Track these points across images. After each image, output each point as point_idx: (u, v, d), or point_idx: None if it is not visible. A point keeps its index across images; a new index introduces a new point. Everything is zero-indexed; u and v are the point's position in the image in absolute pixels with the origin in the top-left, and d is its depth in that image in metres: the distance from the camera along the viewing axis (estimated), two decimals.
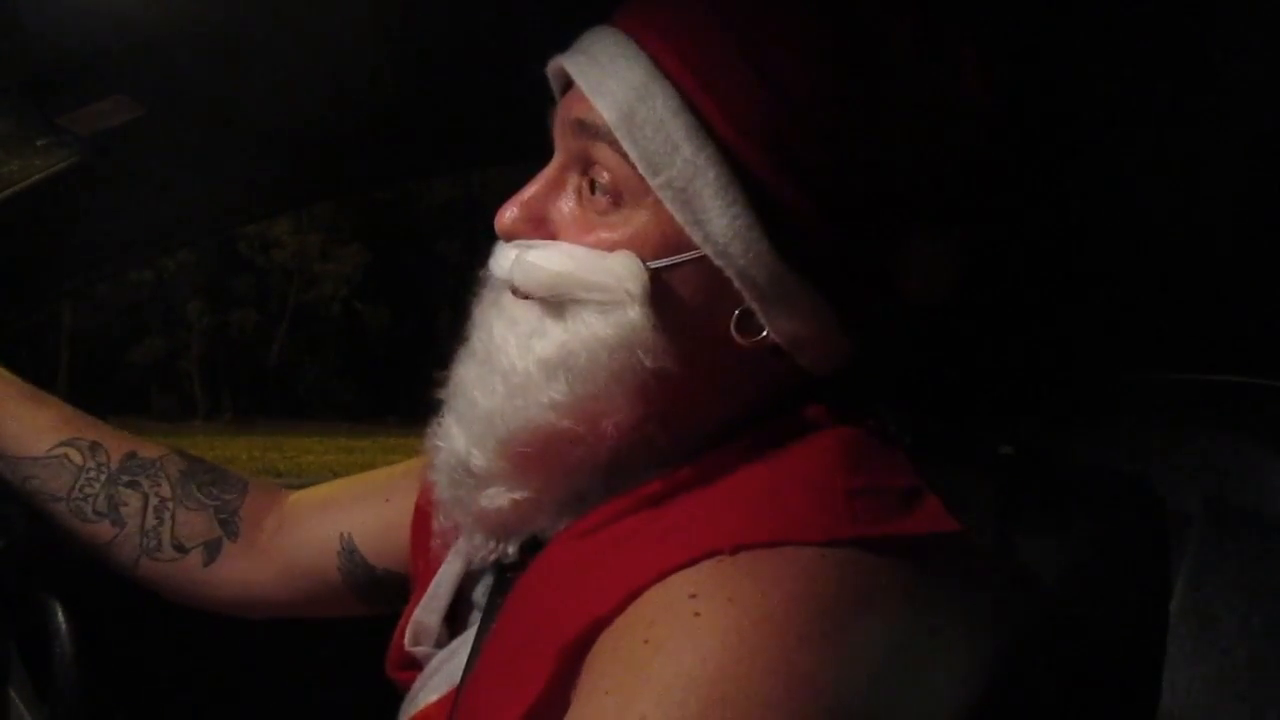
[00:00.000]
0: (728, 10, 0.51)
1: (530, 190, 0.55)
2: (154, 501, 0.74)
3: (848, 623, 0.46)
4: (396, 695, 0.65)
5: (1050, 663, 0.58)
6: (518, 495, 0.54)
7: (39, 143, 0.78)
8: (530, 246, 0.53)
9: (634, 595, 0.47)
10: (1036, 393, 0.82)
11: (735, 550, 0.47)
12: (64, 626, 0.75)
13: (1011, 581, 0.58)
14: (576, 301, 0.51)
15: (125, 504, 0.73)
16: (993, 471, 0.68)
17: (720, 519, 0.49)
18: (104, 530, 0.73)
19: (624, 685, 0.44)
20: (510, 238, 0.55)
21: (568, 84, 0.55)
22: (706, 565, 0.47)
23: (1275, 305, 0.74)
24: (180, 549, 0.74)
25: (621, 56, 0.51)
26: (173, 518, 0.74)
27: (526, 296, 0.53)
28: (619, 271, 0.51)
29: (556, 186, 0.54)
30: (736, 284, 0.51)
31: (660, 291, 0.51)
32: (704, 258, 0.51)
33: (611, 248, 0.51)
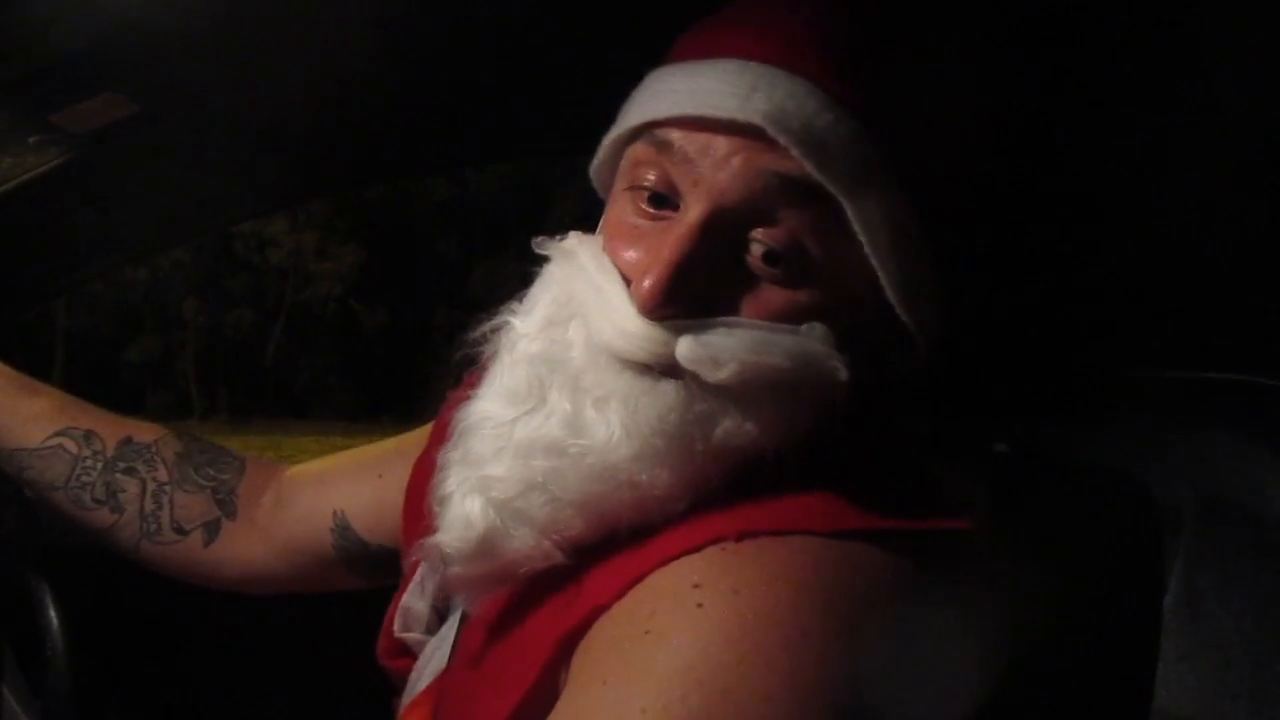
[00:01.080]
0: (889, 53, 0.49)
1: (678, 253, 0.47)
2: (151, 486, 0.74)
3: (852, 617, 0.45)
4: (390, 686, 0.65)
5: (1050, 661, 0.58)
6: (539, 563, 0.49)
7: (31, 140, 0.78)
8: (701, 327, 0.47)
9: (634, 582, 0.46)
10: (1031, 391, 0.82)
11: (740, 537, 0.45)
12: (56, 622, 0.75)
13: (1015, 581, 0.58)
14: (774, 388, 0.47)
15: (123, 490, 0.73)
16: (988, 469, 0.69)
17: (726, 507, 0.48)
18: (103, 517, 0.73)
19: (623, 676, 0.43)
20: (658, 311, 0.47)
21: (682, 120, 0.48)
22: (710, 552, 0.45)
23: (1267, 303, 0.74)
24: (180, 531, 0.74)
25: (833, 120, 0.47)
26: (171, 501, 0.74)
27: (696, 380, 0.47)
28: (821, 352, 0.47)
29: (705, 249, 0.47)
30: (911, 328, 0.50)
31: (847, 356, 0.48)
32: (887, 312, 0.49)
33: (794, 319, 0.48)
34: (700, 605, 0.43)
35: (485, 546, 0.49)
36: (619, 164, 0.53)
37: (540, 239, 0.53)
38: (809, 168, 0.46)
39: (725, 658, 0.42)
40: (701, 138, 0.48)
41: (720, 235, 0.48)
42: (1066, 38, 0.71)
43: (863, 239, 0.47)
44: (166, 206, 0.96)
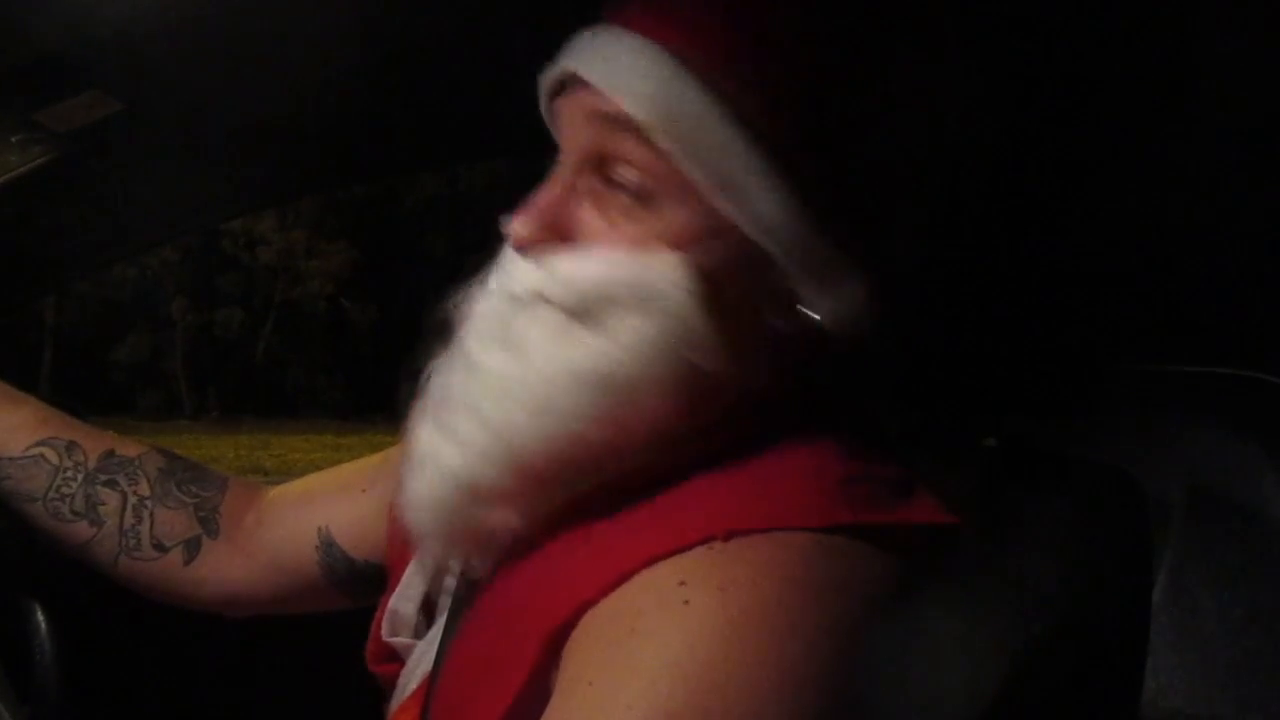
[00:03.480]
0: (739, 3, 0.51)
1: (544, 197, 0.52)
2: (132, 500, 0.73)
3: (840, 612, 0.45)
4: (379, 692, 0.65)
5: (1039, 653, 0.58)
6: (525, 514, 0.52)
7: (14, 139, 0.77)
8: (558, 256, 0.51)
9: (622, 579, 0.46)
10: (1019, 385, 0.82)
11: (728, 536, 0.46)
12: (44, 627, 0.74)
13: (1005, 575, 0.59)
14: (620, 307, 0.49)
15: (103, 503, 0.72)
16: (976, 463, 0.69)
17: (713, 504, 0.48)
18: (82, 530, 0.72)
19: (610, 675, 0.43)
20: (526, 249, 0.52)
21: (560, 86, 0.53)
22: (698, 551, 0.46)
23: (1256, 297, 0.74)
24: (160, 548, 0.73)
25: (640, 53, 0.50)
26: (151, 516, 0.73)
27: (556, 305, 0.51)
28: (665, 271, 0.49)
29: (569, 191, 0.52)
30: (783, 265, 0.50)
31: (705, 286, 0.49)
32: (746, 245, 0.50)
33: (645, 246, 0.50)
34: (687, 602, 0.44)
35: (424, 463, 0.53)
36: None
37: (503, 218, 0.57)
38: (616, 99, 0.50)
39: (713, 654, 0.42)
40: (562, 101, 0.53)
41: (581, 178, 0.52)
42: (1051, 29, 0.71)
43: (684, 167, 0.49)
44: (152, 205, 0.96)
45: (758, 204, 0.49)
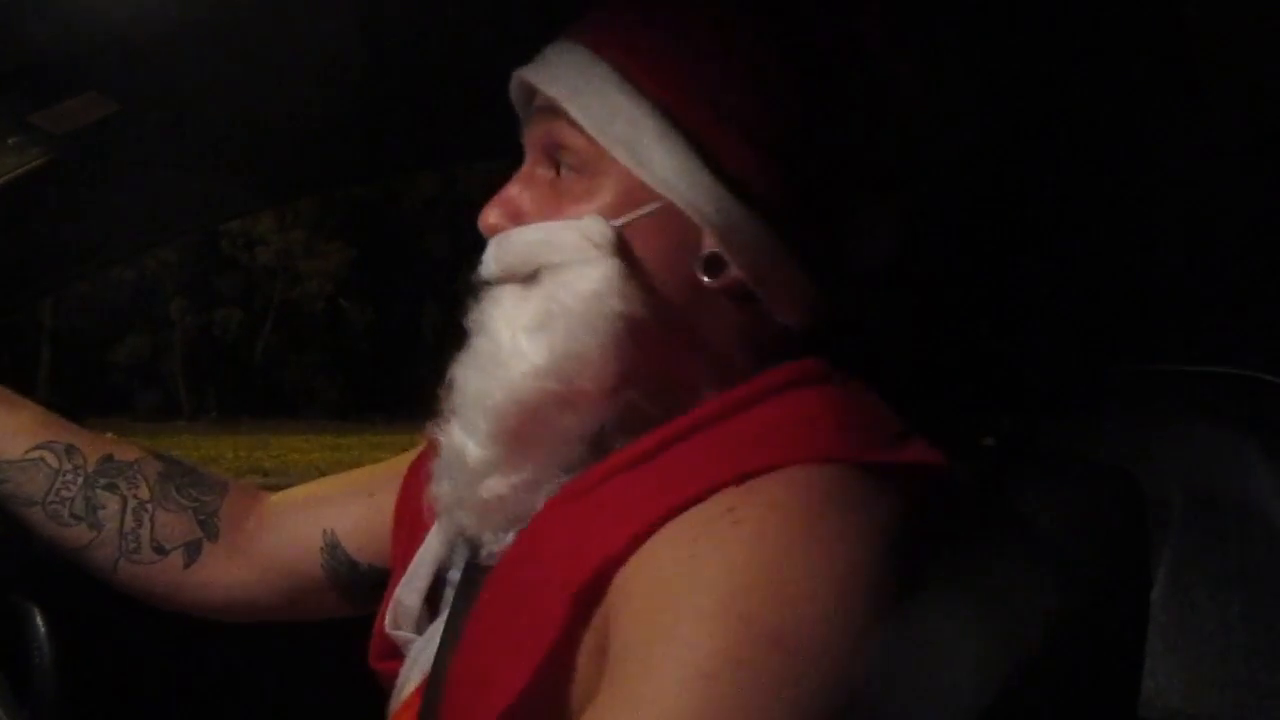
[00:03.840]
0: (654, 6, 0.58)
1: (507, 189, 0.59)
2: (132, 504, 0.73)
3: (868, 518, 0.49)
4: (380, 696, 0.64)
5: (1037, 654, 0.58)
6: (514, 479, 0.56)
7: (11, 141, 0.77)
8: (509, 235, 0.58)
9: (646, 532, 0.49)
10: (1018, 384, 0.82)
11: (739, 480, 0.49)
12: (43, 631, 0.74)
13: (1002, 574, 0.59)
14: (550, 267, 0.55)
15: (103, 507, 0.72)
16: (974, 462, 0.69)
17: (718, 460, 0.52)
18: (82, 534, 0.72)
19: (675, 600, 0.45)
20: (494, 235, 0.58)
21: (526, 95, 0.60)
22: (718, 496, 0.49)
23: (1256, 297, 0.74)
24: (160, 551, 0.73)
25: (565, 50, 0.58)
26: (152, 520, 0.73)
27: (510, 280, 0.57)
28: (585, 229, 0.55)
29: (531, 181, 0.59)
30: (695, 220, 0.55)
31: (628, 243, 0.55)
32: (664, 207, 0.55)
33: (580, 216, 0.56)
34: (737, 523, 0.47)
35: (457, 462, 0.57)
36: None
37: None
38: (542, 88, 0.57)
39: (772, 556, 0.46)
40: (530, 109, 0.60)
41: (538, 168, 0.59)
42: (1054, 27, 0.71)
43: (591, 133, 0.55)
44: (150, 206, 0.96)
45: (661, 165, 0.55)
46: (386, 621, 0.64)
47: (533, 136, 0.59)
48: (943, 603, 0.50)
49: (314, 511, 0.76)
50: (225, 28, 0.74)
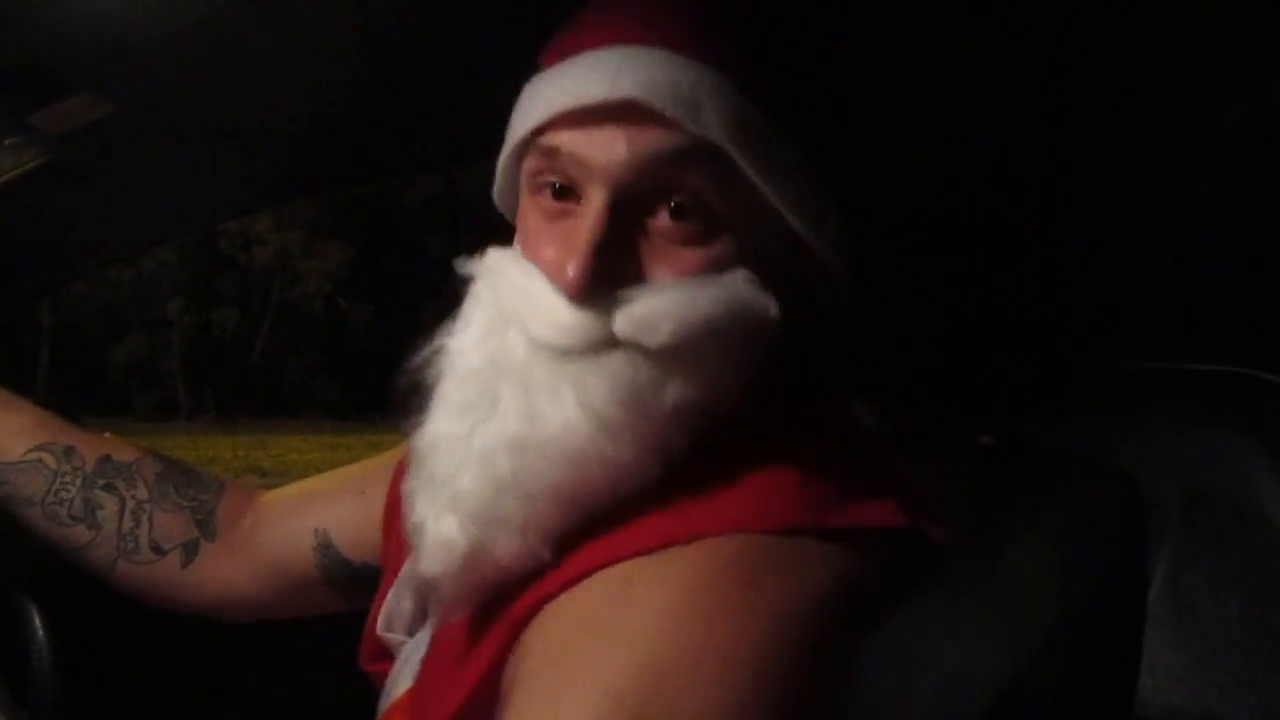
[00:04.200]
0: (738, 10, 0.52)
1: (589, 239, 0.49)
2: (130, 504, 0.73)
3: (775, 597, 0.46)
4: (373, 693, 0.65)
5: (1034, 653, 0.58)
6: (527, 564, 0.50)
7: (8, 141, 0.77)
8: (626, 298, 0.49)
9: (582, 576, 0.47)
10: (1015, 383, 0.82)
11: (689, 540, 0.47)
12: (41, 630, 0.74)
13: (1000, 573, 0.59)
14: (716, 337, 0.49)
15: (101, 507, 0.72)
16: (972, 462, 0.69)
17: (679, 509, 0.49)
18: (80, 534, 0.72)
19: (564, 666, 0.44)
20: (583, 297, 0.49)
21: (560, 118, 0.50)
22: (656, 554, 0.47)
23: (1254, 296, 0.74)
24: (158, 550, 0.73)
25: (701, 78, 0.49)
26: (150, 520, 0.73)
27: (637, 349, 0.49)
28: (750, 294, 0.49)
29: (626, 228, 0.50)
30: (821, 260, 0.53)
31: (772, 297, 0.50)
32: (793, 241, 0.52)
33: (714, 272, 0.50)
34: (629, 596, 0.45)
35: (471, 562, 0.49)
36: (519, 182, 0.55)
37: (460, 259, 0.56)
38: (690, 127, 0.48)
39: (651, 636, 0.44)
40: (582, 132, 0.50)
41: (627, 213, 0.50)
42: (1053, 25, 0.71)
43: (757, 183, 0.49)
44: (148, 206, 0.95)
45: (813, 209, 0.51)
46: (379, 624, 0.64)
47: (623, 173, 0.49)
48: (894, 661, 0.49)
49: (306, 510, 0.76)
50: (223, 28, 0.74)
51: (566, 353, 0.49)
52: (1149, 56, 0.70)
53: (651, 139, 0.49)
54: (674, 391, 0.49)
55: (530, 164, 0.53)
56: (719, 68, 0.49)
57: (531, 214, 0.53)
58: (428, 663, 0.56)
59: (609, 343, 0.49)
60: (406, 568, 0.63)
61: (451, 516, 0.49)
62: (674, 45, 0.50)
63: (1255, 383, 0.73)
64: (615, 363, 0.49)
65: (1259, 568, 0.66)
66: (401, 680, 0.60)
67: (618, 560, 0.47)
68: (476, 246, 0.57)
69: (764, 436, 0.52)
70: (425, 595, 0.63)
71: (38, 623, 0.75)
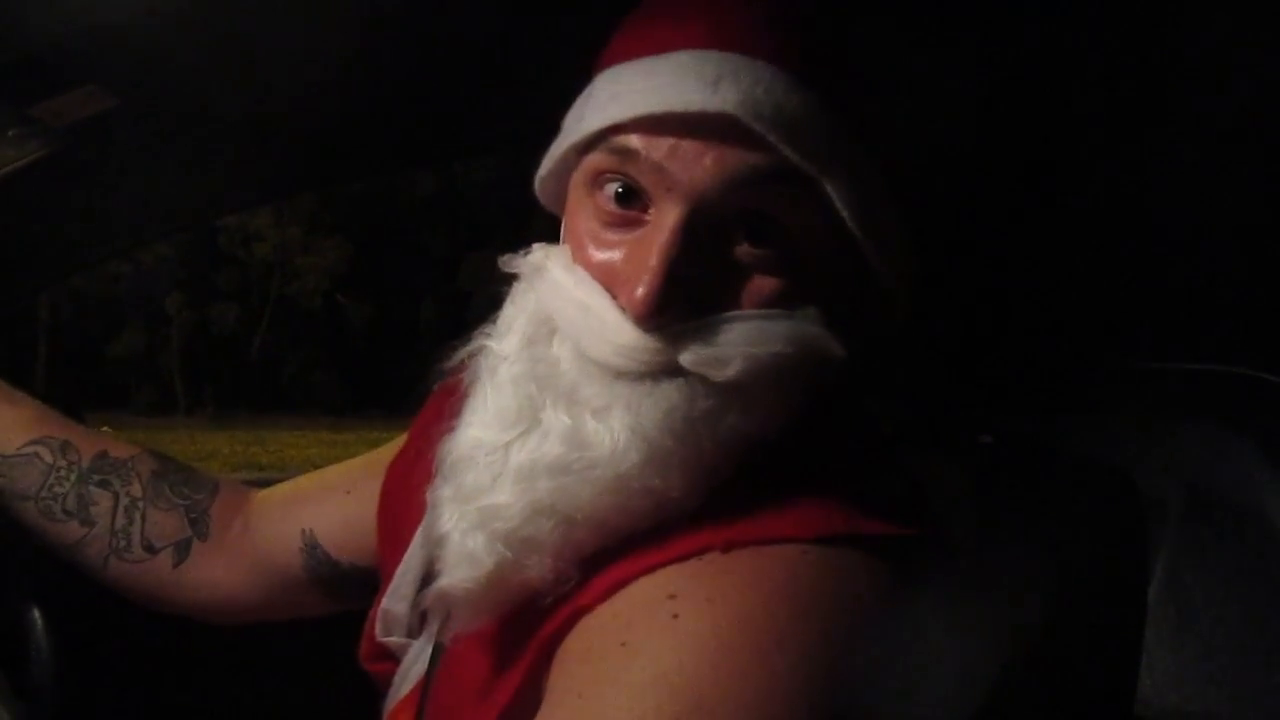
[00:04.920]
0: (844, 29, 0.50)
1: (663, 259, 0.46)
2: (124, 501, 0.72)
3: (829, 626, 0.44)
4: (374, 690, 0.64)
5: (1036, 651, 0.58)
6: (550, 584, 0.47)
7: (10, 133, 0.77)
8: (697, 327, 0.46)
9: (617, 586, 0.45)
10: (1017, 383, 0.82)
11: (727, 548, 0.45)
12: (40, 625, 0.74)
13: (999, 572, 0.59)
14: (779, 376, 0.46)
15: (95, 503, 0.72)
16: (973, 460, 0.69)
17: (714, 518, 0.47)
18: (73, 530, 0.72)
19: (598, 688, 0.42)
20: (652, 320, 0.46)
21: (642, 120, 0.47)
22: (691, 563, 0.45)
23: (1255, 296, 0.74)
24: (150, 549, 0.73)
25: (801, 100, 0.46)
26: (143, 517, 0.72)
27: (700, 379, 0.46)
28: (817, 335, 0.47)
29: (689, 247, 0.46)
30: (886, 287, 0.51)
31: (840, 329, 0.48)
32: (857, 269, 0.49)
33: (783, 304, 0.47)
34: (676, 616, 0.43)
35: (495, 581, 0.47)
36: (570, 174, 0.52)
37: (506, 257, 0.52)
38: (787, 152, 0.45)
39: (700, 668, 0.41)
40: (666, 140, 0.47)
41: (702, 233, 0.47)
42: (1056, 28, 0.71)
43: (844, 214, 0.47)
44: (148, 200, 0.95)
45: (890, 240, 0.49)
46: (377, 630, 0.64)
47: (707, 193, 0.46)
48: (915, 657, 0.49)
49: (293, 511, 0.75)
50: (225, 23, 0.74)
51: (621, 374, 0.46)
52: (1150, 57, 0.70)
53: (745, 159, 0.46)
54: (730, 424, 0.46)
55: (596, 160, 0.49)
56: (821, 90, 0.46)
57: (585, 214, 0.50)
58: (442, 679, 0.55)
59: (672, 371, 0.46)
60: (398, 574, 0.63)
61: (480, 534, 0.47)
62: (777, 60, 0.46)
63: (1255, 383, 0.73)
64: (673, 390, 0.46)
65: (1257, 567, 0.66)
66: (408, 681, 0.60)
67: (652, 569, 0.45)
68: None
69: (796, 453, 0.50)
70: (428, 602, 0.63)
71: (36, 617, 0.75)
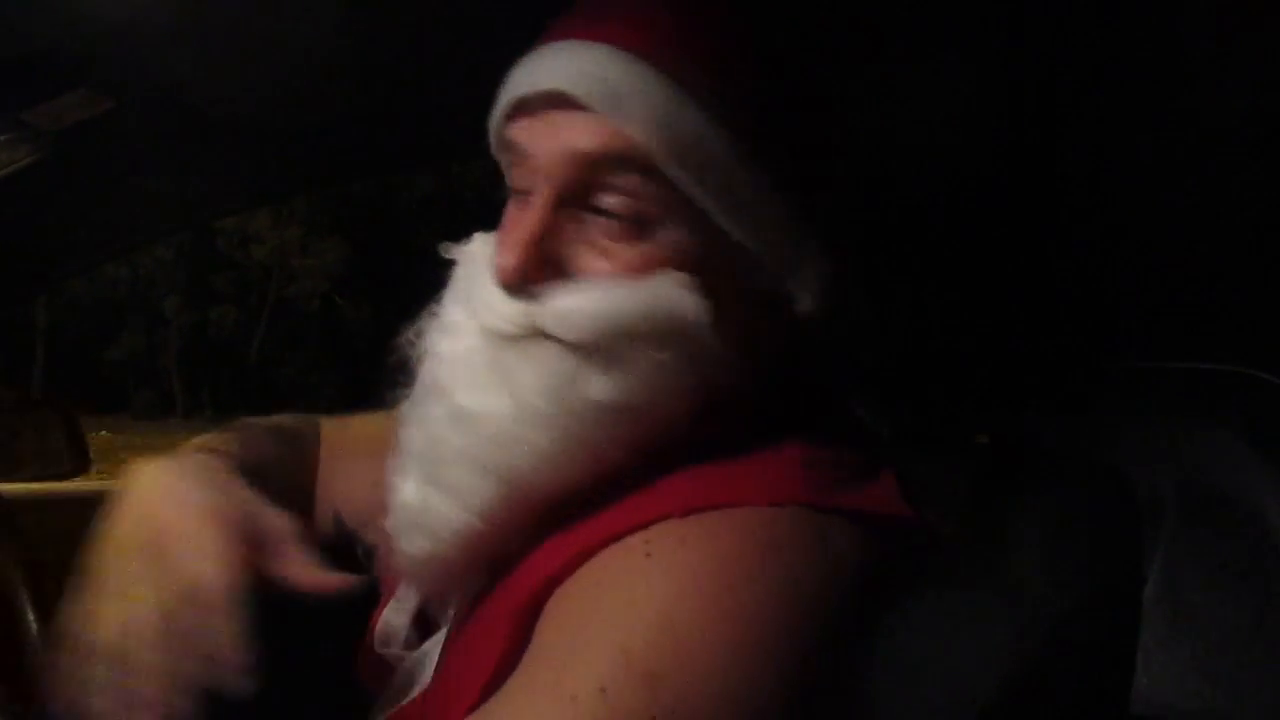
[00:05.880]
0: (707, 12, 0.51)
1: (527, 232, 0.50)
2: None
3: (799, 572, 0.46)
4: (370, 699, 0.64)
5: (1029, 650, 0.58)
6: (496, 549, 0.52)
7: (3, 138, 0.77)
8: (554, 291, 0.50)
9: (584, 556, 0.48)
10: (1012, 382, 0.82)
11: (686, 513, 0.47)
12: (36, 623, 0.74)
13: (994, 571, 0.59)
14: (634, 338, 0.49)
15: None
16: (969, 460, 0.69)
17: (674, 490, 0.50)
18: None
19: (575, 624, 0.45)
20: (516, 287, 0.50)
21: (522, 103, 0.51)
22: (657, 524, 0.47)
23: (1251, 294, 0.74)
24: None
25: (637, 74, 0.49)
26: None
27: (559, 342, 0.50)
28: (677, 296, 0.49)
29: (561, 223, 0.51)
30: (772, 268, 0.51)
31: (712, 302, 0.50)
32: (740, 254, 0.51)
33: (644, 271, 0.49)
34: (649, 555, 0.46)
35: (419, 522, 0.52)
36: None
37: (445, 245, 0.57)
38: (611, 122, 0.48)
39: (670, 597, 0.44)
40: (527, 126, 0.51)
41: (566, 208, 0.50)
42: (1051, 25, 0.71)
43: (678, 181, 0.49)
44: (144, 203, 0.95)
45: (755, 216, 0.50)
46: (376, 641, 0.64)
47: (558, 169, 0.50)
48: (896, 644, 0.49)
49: (325, 490, 0.74)
50: (219, 24, 0.74)
51: (505, 340, 0.51)
52: (1147, 55, 0.70)
53: (578, 133, 0.49)
54: (596, 388, 0.49)
55: (500, 157, 0.55)
56: (659, 66, 0.49)
57: (510, 203, 0.55)
58: (443, 671, 0.56)
59: (538, 334, 0.50)
60: (402, 587, 0.63)
61: (411, 482, 0.52)
62: (616, 40, 0.49)
63: (1253, 382, 0.73)
64: (543, 354, 0.50)
65: (1255, 567, 0.66)
66: (400, 691, 0.60)
67: (617, 536, 0.48)
68: (477, 299, 0.57)
69: (753, 425, 0.52)
70: (423, 612, 0.63)
71: (31, 619, 0.75)
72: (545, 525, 0.52)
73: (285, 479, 0.67)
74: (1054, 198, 0.82)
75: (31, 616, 0.75)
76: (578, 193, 0.50)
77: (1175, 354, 0.78)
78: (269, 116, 0.89)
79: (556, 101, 0.49)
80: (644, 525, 0.47)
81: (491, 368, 0.51)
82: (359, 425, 0.78)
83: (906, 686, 0.50)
